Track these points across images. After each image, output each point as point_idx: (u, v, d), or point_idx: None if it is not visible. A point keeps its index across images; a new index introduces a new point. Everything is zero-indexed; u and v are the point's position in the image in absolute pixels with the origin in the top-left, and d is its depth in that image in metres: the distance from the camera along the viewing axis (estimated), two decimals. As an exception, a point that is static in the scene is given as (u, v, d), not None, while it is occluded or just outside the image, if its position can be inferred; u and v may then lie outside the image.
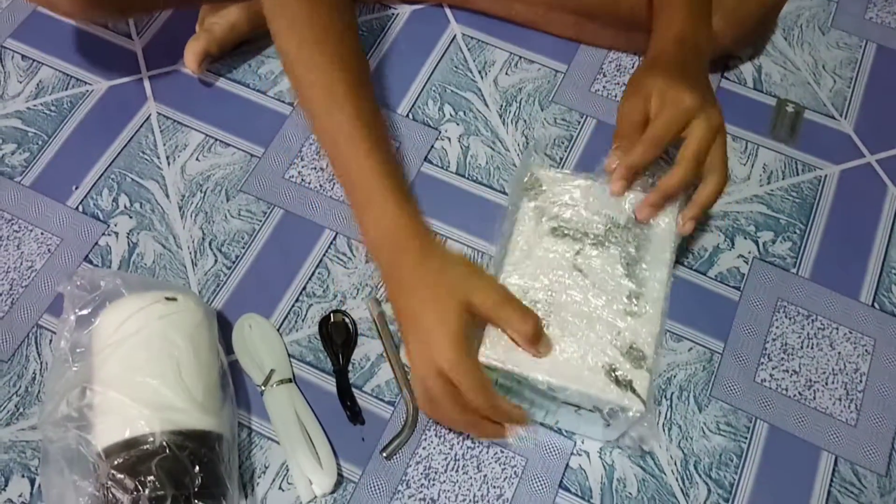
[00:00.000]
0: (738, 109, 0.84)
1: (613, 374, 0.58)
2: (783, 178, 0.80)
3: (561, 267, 0.62)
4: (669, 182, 0.62)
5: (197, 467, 0.57)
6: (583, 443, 0.67)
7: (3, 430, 0.67)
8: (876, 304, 0.74)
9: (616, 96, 0.84)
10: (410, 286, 0.58)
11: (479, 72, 0.86)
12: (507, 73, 0.86)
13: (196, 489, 0.57)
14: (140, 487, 0.55)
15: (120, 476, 0.55)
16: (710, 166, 0.63)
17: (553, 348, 0.59)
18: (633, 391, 0.57)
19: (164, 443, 0.56)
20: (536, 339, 0.57)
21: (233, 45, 0.85)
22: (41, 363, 0.70)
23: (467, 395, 0.56)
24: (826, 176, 0.80)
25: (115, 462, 0.56)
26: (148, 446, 0.56)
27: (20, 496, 0.65)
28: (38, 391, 0.69)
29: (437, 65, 0.86)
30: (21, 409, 0.68)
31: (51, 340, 0.71)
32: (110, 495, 0.55)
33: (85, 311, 0.62)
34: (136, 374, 0.59)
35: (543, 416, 0.66)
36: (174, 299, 0.63)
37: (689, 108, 0.62)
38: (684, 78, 0.63)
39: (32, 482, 0.65)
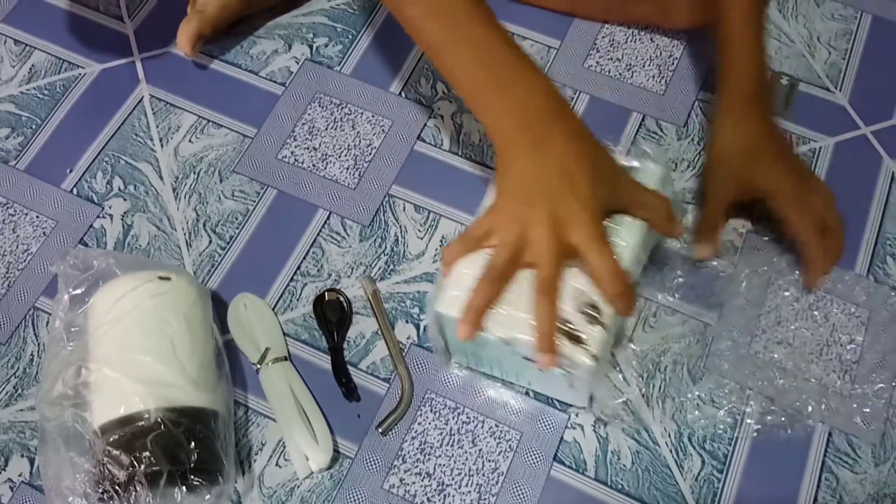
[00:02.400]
0: (732, 83, 0.83)
1: (565, 328, 0.58)
2: (777, 151, 0.79)
3: None
4: (815, 265, 0.71)
5: (192, 443, 0.58)
6: (577, 416, 0.67)
7: (2, 412, 0.68)
8: (871, 276, 0.73)
9: (609, 72, 0.83)
10: (560, 152, 0.57)
11: (472, 49, 0.85)
12: (499, 50, 0.85)
13: (192, 465, 0.57)
14: (135, 463, 0.56)
15: (116, 452, 0.56)
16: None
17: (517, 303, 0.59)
18: (584, 346, 0.58)
19: (159, 419, 0.57)
20: (673, 220, 0.62)
21: (226, 25, 0.85)
22: (38, 345, 0.70)
23: (602, 278, 0.57)
24: (821, 148, 0.80)
25: (111, 439, 0.57)
26: (143, 423, 0.57)
27: (20, 475, 0.65)
28: (36, 372, 0.69)
29: (429, 43, 0.85)
30: (20, 391, 0.69)
31: (47, 322, 0.71)
32: (106, 471, 0.56)
33: (79, 291, 0.62)
34: (130, 352, 0.59)
35: (515, 378, 0.67)
36: (167, 278, 0.63)
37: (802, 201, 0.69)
38: (777, 158, 0.70)
39: (32, 462, 0.66)
